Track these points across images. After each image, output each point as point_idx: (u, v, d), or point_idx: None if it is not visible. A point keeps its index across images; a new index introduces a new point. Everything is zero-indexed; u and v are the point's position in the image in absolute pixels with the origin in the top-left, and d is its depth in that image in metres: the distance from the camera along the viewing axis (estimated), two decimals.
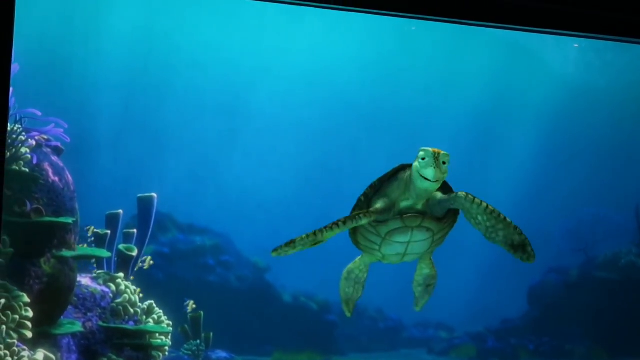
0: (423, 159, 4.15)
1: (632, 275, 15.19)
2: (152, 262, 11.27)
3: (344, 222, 4.35)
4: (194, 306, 10.92)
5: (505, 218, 4.43)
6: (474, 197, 4.38)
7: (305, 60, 21.60)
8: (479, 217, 4.41)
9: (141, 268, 9.14)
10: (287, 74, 21.84)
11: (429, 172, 4.12)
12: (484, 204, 4.39)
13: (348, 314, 5.36)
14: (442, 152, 4.17)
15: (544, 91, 22.21)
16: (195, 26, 20.23)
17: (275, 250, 4.56)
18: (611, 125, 20.91)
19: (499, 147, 22.78)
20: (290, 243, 4.49)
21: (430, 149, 4.15)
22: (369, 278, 10.49)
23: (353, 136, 23.19)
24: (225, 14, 20.17)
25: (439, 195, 4.42)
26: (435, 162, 4.12)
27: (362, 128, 23.09)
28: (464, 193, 4.38)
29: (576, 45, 20.71)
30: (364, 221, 4.36)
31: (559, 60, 21.90)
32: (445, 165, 4.17)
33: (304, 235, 4.44)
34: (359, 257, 4.96)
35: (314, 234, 4.40)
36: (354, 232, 4.68)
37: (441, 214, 4.45)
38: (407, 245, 4.53)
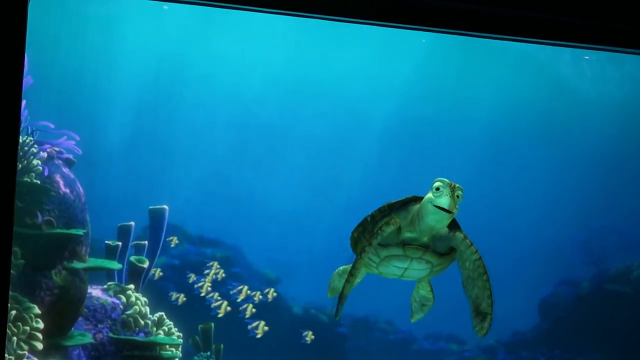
0: (437, 189, 4.12)
1: None
2: (161, 273, 11.36)
3: (367, 252, 4.36)
4: (184, 299, 11.00)
5: (487, 279, 4.37)
6: (471, 243, 4.34)
7: (316, 72, 21.64)
8: (467, 264, 4.38)
9: (151, 279, 9.16)
10: (298, 87, 21.88)
11: (444, 201, 4.03)
12: (477, 255, 4.35)
13: (329, 295, 5.34)
14: (458, 185, 4.14)
15: (556, 103, 22.18)
16: (205, 40, 20.30)
17: (336, 314, 4.63)
18: (624, 137, 20.86)
19: (511, 159, 22.74)
20: (342, 299, 4.56)
21: (447, 180, 4.13)
22: (378, 290, 10.49)
23: (363, 148, 23.19)
24: (236, 28, 20.23)
25: (443, 230, 4.38)
26: (451, 192, 4.09)
27: (372, 140, 23.10)
28: (462, 235, 4.34)
29: (587, 58, 20.68)
30: (386, 233, 4.34)
31: (572, 72, 21.87)
32: (459, 200, 4.13)
33: (346, 284, 4.48)
34: None
35: (352, 275, 4.44)
36: (355, 244, 4.66)
37: (444, 250, 4.42)
38: (404, 270, 4.52)
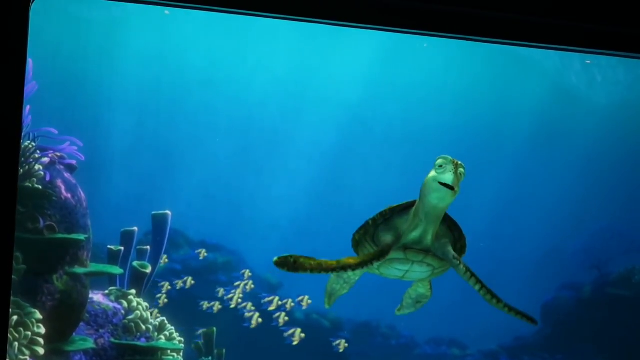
0: (441, 166, 4.08)
1: None
2: (192, 282, 11.46)
3: (354, 267, 4.30)
4: (169, 287, 10.99)
5: (498, 302, 4.40)
6: (472, 275, 4.33)
7: (317, 77, 21.65)
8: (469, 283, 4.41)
9: (182, 289, 9.18)
10: (300, 92, 21.89)
11: (448, 177, 4.00)
12: (479, 286, 4.34)
13: (327, 306, 5.30)
14: (460, 162, 4.12)
15: (557, 107, 22.18)
16: (208, 45, 20.33)
17: (277, 259, 4.44)
18: (625, 140, 20.85)
19: (512, 163, 22.73)
20: (297, 261, 4.37)
21: (450, 157, 4.10)
22: (380, 295, 10.48)
23: (365, 153, 23.19)
24: (237, 33, 20.25)
25: (446, 242, 4.36)
26: (454, 168, 4.06)
27: (374, 145, 23.09)
28: (464, 268, 4.32)
29: (588, 62, 20.69)
30: (373, 264, 4.33)
31: (572, 76, 21.88)
32: (462, 177, 4.10)
33: (313, 262, 4.33)
34: None
35: (320, 265, 4.31)
36: (356, 246, 4.65)
37: (444, 256, 4.42)
38: (405, 272, 4.51)
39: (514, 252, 20.85)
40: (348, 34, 18.77)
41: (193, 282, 11.56)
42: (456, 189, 4.07)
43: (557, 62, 21.44)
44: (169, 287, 11.15)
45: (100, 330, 7.84)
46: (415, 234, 4.35)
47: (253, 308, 10.87)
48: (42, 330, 6.74)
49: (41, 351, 6.66)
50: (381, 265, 4.51)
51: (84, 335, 7.57)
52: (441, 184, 4.07)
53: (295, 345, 11.86)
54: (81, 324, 7.59)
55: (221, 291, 11.91)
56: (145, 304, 8.41)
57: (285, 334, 10.86)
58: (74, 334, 7.40)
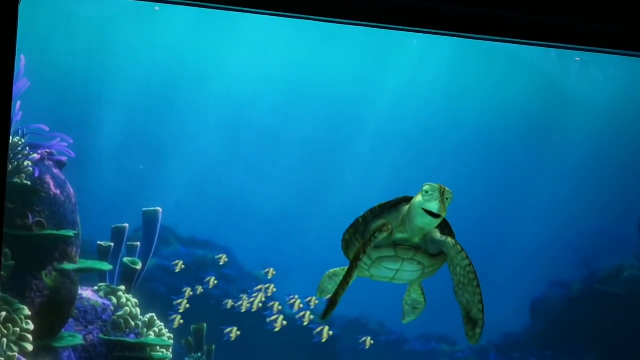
0: (427, 192, 4.11)
1: (635, 288, 15.16)
2: (216, 282, 11.46)
3: (364, 252, 4.28)
4: (188, 306, 10.96)
5: (477, 285, 4.33)
6: (462, 249, 4.30)
7: (308, 74, 21.64)
8: (458, 269, 4.34)
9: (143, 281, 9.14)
10: (290, 88, 21.88)
11: (434, 205, 4.00)
12: (467, 260, 4.31)
13: (319, 295, 5.30)
14: (447, 188, 4.11)
15: (547, 105, 22.23)
16: (197, 41, 20.29)
17: (323, 316, 4.52)
18: (615, 139, 20.93)
19: (502, 161, 22.78)
20: (334, 303, 4.41)
21: (437, 184, 4.10)
22: (370, 291, 10.49)
23: (355, 150, 23.21)
24: (227, 29, 20.22)
25: (436, 233, 4.36)
26: (440, 196, 4.07)
27: (364, 142, 23.11)
28: (453, 240, 4.31)
29: (577, 59, 20.75)
30: (380, 239, 4.30)
31: (563, 73, 21.93)
32: (448, 203, 4.11)
33: (339, 289, 4.32)
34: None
35: (346, 282, 4.31)
36: (346, 246, 4.64)
37: (435, 252, 4.41)
38: (396, 272, 4.50)
39: (504, 249, 20.90)
40: (338, 31, 18.77)
41: (216, 282, 11.57)
42: (442, 214, 4.09)
43: (548, 60, 21.48)
44: (191, 293, 11.17)
45: (89, 327, 7.82)
46: (403, 236, 4.37)
47: (280, 307, 10.87)
48: (31, 327, 6.73)
49: (30, 347, 6.65)
50: (372, 266, 4.50)
51: (72, 331, 7.55)
52: (427, 211, 4.09)
53: (287, 342, 11.88)
54: (70, 320, 7.57)
55: (244, 297, 11.94)
56: (134, 300, 8.39)
57: (315, 332, 10.87)
58: (62, 330, 7.38)
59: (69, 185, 7.60)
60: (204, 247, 15.20)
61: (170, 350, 8.39)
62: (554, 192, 22.27)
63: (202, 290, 11.58)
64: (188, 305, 10.96)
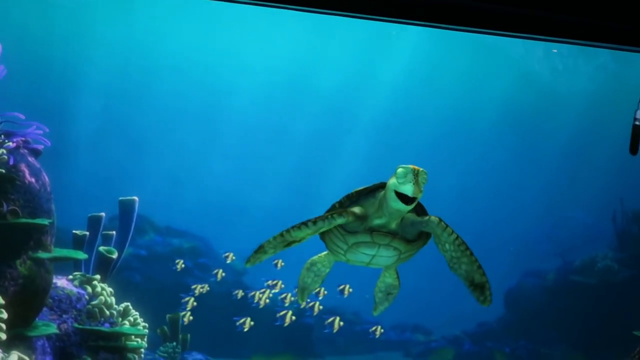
0: (401, 175, 4.11)
1: (608, 279, 15.29)
2: (223, 273, 11.42)
3: (314, 222, 4.24)
4: (195, 304, 10.93)
5: (471, 254, 4.35)
6: (446, 225, 4.30)
7: (286, 64, 21.62)
8: (447, 245, 4.34)
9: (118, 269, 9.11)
10: (268, 78, 21.86)
11: (408, 188, 4.02)
12: (454, 235, 4.31)
13: (301, 302, 5.29)
14: (421, 169, 4.11)
15: (525, 96, 22.35)
16: (176, 30, 20.22)
17: (247, 261, 4.46)
18: (590, 131, 21.08)
19: (478, 152, 22.90)
20: (260, 249, 4.37)
21: (410, 166, 4.10)
22: (345, 281, 10.51)
23: (333, 140, 23.24)
24: (207, 18, 20.15)
25: (413, 216, 4.36)
26: (414, 178, 4.06)
27: (343, 132, 23.15)
28: (436, 218, 4.30)
29: (555, 51, 20.85)
30: (337, 221, 4.28)
31: (540, 65, 22.04)
32: (423, 185, 4.10)
33: (271, 238, 4.32)
34: (325, 252, 4.89)
35: (281, 234, 4.28)
36: (322, 234, 4.63)
37: (413, 236, 4.39)
38: (372, 257, 4.51)
39: (479, 240, 21.01)
40: (317, 22, 18.76)
41: (224, 273, 11.55)
42: (418, 196, 4.09)
43: (525, 51, 21.58)
44: (194, 304, 11.13)
45: (64, 316, 7.78)
46: (380, 222, 4.37)
47: (293, 299, 10.84)
48: (5, 315, 6.69)
49: (3, 336, 6.60)
50: (348, 251, 4.50)
51: (47, 320, 7.50)
52: (401, 194, 4.09)
53: (262, 331, 11.89)
54: (44, 309, 7.52)
55: (257, 294, 11.90)
56: (109, 289, 8.36)
57: (326, 322, 10.87)
58: (37, 319, 7.34)
59: (44, 174, 7.55)
60: (179, 236, 15.17)
61: (145, 339, 8.37)
62: (530, 183, 22.42)
63: (222, 274, 11.54)
64: (195, 303, 10.93)
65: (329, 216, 4.30)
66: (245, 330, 10.74)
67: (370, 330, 11.31)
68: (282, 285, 10.92)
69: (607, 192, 17.07)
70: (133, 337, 8.17)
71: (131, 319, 8.39)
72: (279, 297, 10.98)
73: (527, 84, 22.10)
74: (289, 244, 4.41)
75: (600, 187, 19.47)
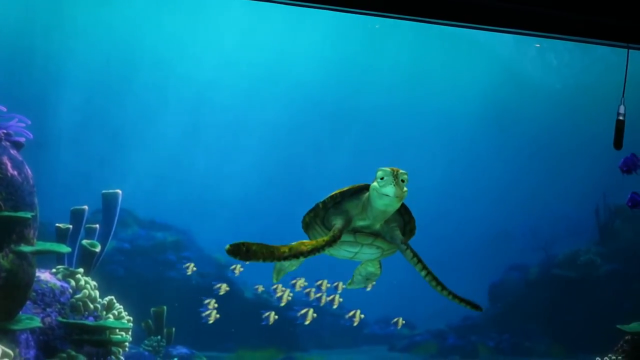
0: (382, 178, 4.09)
1: (591, 272, 15.37)
2: (195, 268, 11.37)
3: (309, 252, 4.23)
4: (216, 305, 10.85)
5: (443, 288, 4.37)
6: (414, 255, 4.32)
7: (269, 57, 21.59)
8: (420, 273, 4.39)
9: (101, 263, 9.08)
10: (251, 72, 21.81)
11: (389, 190, 4.06)
12: (425, 271, 4.31)
13: (275, 280, 5.30)
14: (401, 170, 4.12)
15: (507, 91, 22.41)
16: (158, 22, 20.14)
17: (230, 247, 4.35)
18: (573, 125, 21.15)
19: (461, 146, 22.94)
20: (249, 249, 4.30)
21: (389, 168, 4.11)
22: (330, 276, 10.51)
23: (316, 134, 23.22)
24: (189, 11, 20.08)
25: (395, 226, 4.38)
26: (394, 179, 4.08)
27: (326, 126, 23.13)
28: (404, 246, 4.33)
29: (537, 45, 20.92)
30: (325, 249, 4.28)
31: (522, 60, 22.11)
32: (405, 184, 4.12)
33: (265, 250, 4.26)
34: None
35: (272, 253, 4.24)
36: (306, 227, 4.64)
37: (392, 240, 4.42)
38: (355, 253, 4.54)
39: (462, 234, 21.08)
40: (300, 15, 18.72)
41: (242, 268, 11.50)
42: (402, 196, 4.11)
43: (508, 46, 21.64)
44: (227, 288, 11.09)
45: (48, 309, 7.73)
46: (363, 223, 4.38)
47: (318, 295, 10.83)
48: None
49: None
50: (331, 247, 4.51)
51: (30, 314, 7.45)
52: (383, 194, 4.11)
53: (247, 324, 11.88)
54: (28, 302, 7.47)
55: (260, 287, 11.93)
56: (93, 283, 8.31)
57: (299, 314, 10.85)
58: (20, 312, 7.30)
59: (27, 167, 7.50)
60: (163, 229, 15.12)
61: (130, 332, 8.34)
62: (513, 178, 22.49)
63: (241, 269, 11.49)
64: (216, 305, 10.87)
65: (321, 247, 4.28)
66: (210, 322, 10.71)
67: (347, 316, 11.24)
68: (306, 282, 10.94)
69: (590, 187, 17.15)
70: (117, 330, 8.14)
71: (115, 312, 8.36)
72: (272, 288, 10.98)
73: (510, 78, 22.16)
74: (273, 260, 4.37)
75: (583, 182, 19.56)
